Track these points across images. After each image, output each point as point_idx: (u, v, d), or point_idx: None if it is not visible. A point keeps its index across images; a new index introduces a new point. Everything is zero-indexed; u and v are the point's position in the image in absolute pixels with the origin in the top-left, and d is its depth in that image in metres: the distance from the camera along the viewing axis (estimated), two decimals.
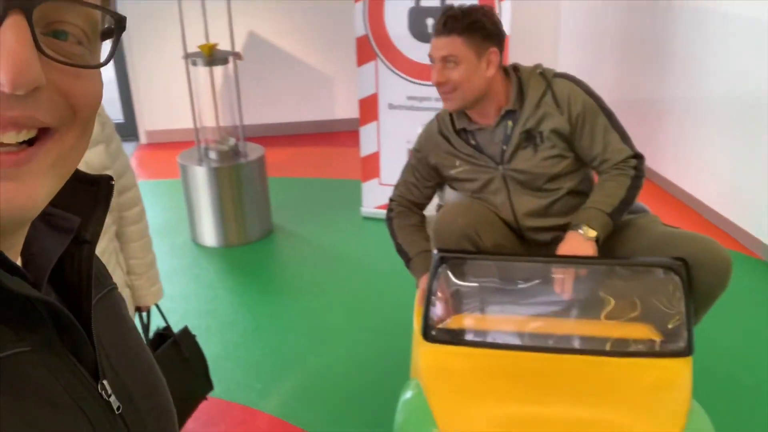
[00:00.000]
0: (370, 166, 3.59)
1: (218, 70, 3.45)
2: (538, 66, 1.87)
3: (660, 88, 3.97)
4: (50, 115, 0.43)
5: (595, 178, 1.92)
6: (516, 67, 1.87)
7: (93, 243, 0.54)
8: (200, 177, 3.35)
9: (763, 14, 3.04)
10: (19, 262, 0.50)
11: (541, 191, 1.86)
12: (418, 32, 3.21)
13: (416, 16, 3.18)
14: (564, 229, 1.84)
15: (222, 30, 3.26)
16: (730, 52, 3.32)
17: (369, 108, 3.45)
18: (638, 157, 1.82)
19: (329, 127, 5.28)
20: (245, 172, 3.41)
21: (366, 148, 3.55)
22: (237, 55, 3.28)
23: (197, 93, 3.40)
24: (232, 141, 3.49)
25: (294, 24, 4.96)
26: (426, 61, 3.20)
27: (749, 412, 2.16)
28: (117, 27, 0.47)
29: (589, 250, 1.69)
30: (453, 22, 1.73)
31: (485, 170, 1.88)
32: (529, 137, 1.80)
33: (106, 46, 0.49)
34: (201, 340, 1.77)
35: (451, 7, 1.78)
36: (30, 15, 0.40)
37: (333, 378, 2.39)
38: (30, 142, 0.43)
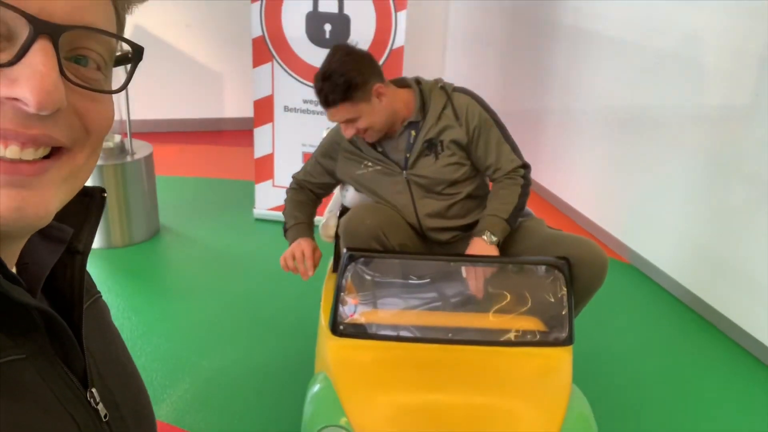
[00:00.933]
0: (264, 168, 3.58)
1: None
2: (438, 80, 2.01)
3: (538, 101, 4.27)
4: (66, 135, 0.46)
5: (490, 185, 2.08)
6: (418, 80, 2.00)
7: (85, 254, 0.56)
8: None
9: (630, 37, 3.37)
10: (14, 271, 0.51)
11: (441, 195, 2.00)
12: (315, 37, 3.25)
13: (313, 20, 3.22)
14: (461, 229, 1.99)
15: None
16: (600, 71, 3.64)
17: (264, 109, 3.44)
18: (526, 167, 2.00)
19: (218, 126, 5.19)
20: (132, 171, 3.28)
21: (260, 149, 3.54)
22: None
23: None
24: (117, 138, 3.36)
25: (183, 19, 4.84)
26: None
27: (620, 393, 2.41)
28: (135, 56, 0.51)
29: (493, 252, 1.86)
30: (332, 95, 1.85)
31: (390, 174, 2.00)
32: (431, 146, 1.95)
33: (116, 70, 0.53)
34: None
35: (319, 78, 1.86)
36: (56, 41, 0.42)
37: (228, 381, 2.36)
38: (45, 157, 0.46)
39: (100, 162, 3.19)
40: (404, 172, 1.99)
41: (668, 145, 3.14)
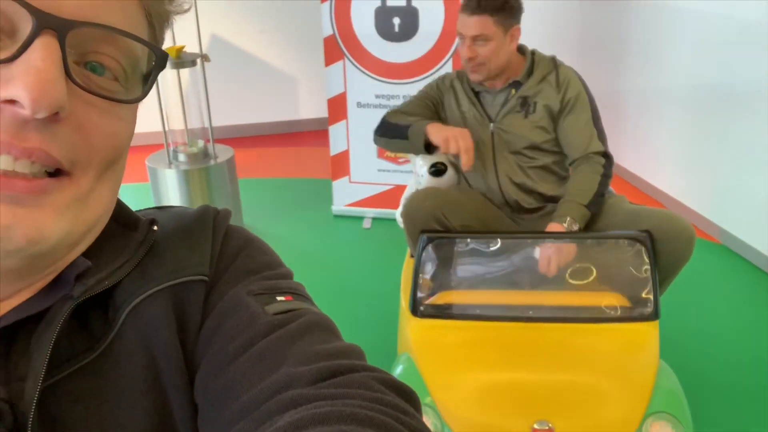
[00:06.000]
0: (340, 165, 3.65)
1: (184, 72, 3.46)
2: (553, 56, 2.05)
3: (617, 82, 4.14)
4: (64, 154, 0.40)
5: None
6: (533, 51, 2.05)
7: (78, 299, 0.45)
8: (170, 180, 3.35)
9: (712, 9, 3.23)
10: None
11: (521, 155, 2.02)
12: (385, 32, 3.29)
13: (382, 15, 3.26)
14: (541, 197, 2.03)
15: (187, 32, 3.28)
16: (683, 46, 3.50)
17: (337, 107, 3.51)
18: (608, 156, 1.97)
19: (294, 127, 5.33)
20: (215, 174, 3.42)
21: (335, 146, 3.61)
22: (205, 57, 3.30)
23: (165, 95, 3.41)
24: (201, 143, 3.51)
25: (257, 25, 5.00)
26: (393, 60, 3.33)
27: (712, 372, 2.32)
28: (158, 62, 0.45)
29: (571, 249, 1.82)
30: (486, 1, 1.86)
31: (480, 123, 2.05)
32: (524, 104, 1.98)
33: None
34: None
35: None
36: (63, 37, 0.38)
37: None
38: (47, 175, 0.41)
39: (185, 167, 3.34)
40: (491, 124, 2.03)
41: (757, 118, 2.98)
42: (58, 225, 0.40)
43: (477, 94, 2.08)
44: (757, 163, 3.01)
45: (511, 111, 2.00)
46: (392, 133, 2.10)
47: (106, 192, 0.44)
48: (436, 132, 1.94)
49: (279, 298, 0.51)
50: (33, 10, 0.36)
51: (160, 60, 0.45)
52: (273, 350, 0.46)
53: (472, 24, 1.89)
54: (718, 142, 3.29)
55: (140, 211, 0.57)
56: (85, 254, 0.46)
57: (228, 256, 0.53)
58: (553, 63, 2.02)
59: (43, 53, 0.36)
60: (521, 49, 2.05)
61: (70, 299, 0.44)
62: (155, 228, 0.51)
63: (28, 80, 0.36)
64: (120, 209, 0.51)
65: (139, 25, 0.44)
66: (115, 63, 0.42)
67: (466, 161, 1.87)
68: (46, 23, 0.37)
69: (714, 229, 3.34)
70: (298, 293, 0.54)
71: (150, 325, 0.48)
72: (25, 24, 0.37)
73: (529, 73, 2.00)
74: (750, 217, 3.10)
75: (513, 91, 2.01)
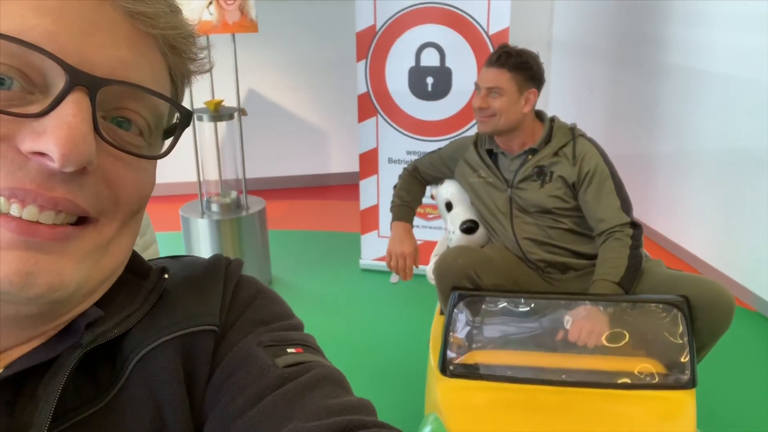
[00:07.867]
0: (370, 219, 3.67)
1: (221, 124, 3.55)
2: (573, 124, 2.06)
3: (649, 145, 4.15)
4: (91, 203, 0.41)
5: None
6: (553, 119, 2.07)
7: (89, 347, 0.45)
8: (202, 229, 3.40)
9: (741, 73, 3.24)
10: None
11: (538, 220, 2.02)
12: (418, 90, 3.36)
13: (416, 75, 3.34)
14: (564, 254, 2.00)
15: (226, 86, 3.39)
16: (714, 110, 3.50)
17: (369, 162, 3.56)
18: (635, 226, 1.90)
19: (325, 181, 5.40)
20: (246, 225, 3.47)
21: (366, 201, 3.64)
22: (242, 111, 3.39)
23: (201, 147, 3.49)
24: (234, 194, 3.57)
25: (293, 82, 5.14)
26: (425, 117, 3.39)
27: None
28: (183, 121, 0.46)
29: (604, 326, 1.76)
30: (506, 57, 1.96)
31: (497, 188, 2.08)
32: (540, 173, 1.98)
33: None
34: None
35: (506, 44, 2.03)
36: (94, 94, 0.39)
37: None
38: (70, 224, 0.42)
39: (217, 217, 3.40)
40: (509, 189, 2.05)
41: None
42: (78, 272, 0.41)
43: (494, 157, 2.11)
44: None
45: (527, 178, 2.00)
46: (394, 192, 2.39)
47: (125, 241, 0.45)
48: (392, 238, 2.23)
49: (290, 350, 0.51)
50: (67, 67, 0.38)
51: (185, 119, 0.46)
52: (282, 404, 0.45)
53: (490, 76, 1.97)
54: (750, 206, 3.25)
55: (153, 260, 0.58)
56: (97, 303, 0.47)
57: (238, 307, 0.53)
58: (571, 133, 2.01)
59: (74, 109, 0.38)
60: (540, 116, 2.07)
61: (79, 347, 0.44)
62: (166, 276, 0.51)
63: (59, 135, 0.37)
64: (132, 258, 0.51)
65: (164, 82, 0.45)
66: (140, 118, 0.44)
67: (402, 278, 2.18)
68: (79, 80, 0.38)
69: (749, 295, 3.26)
70: (308, 345, 0.54)
71: (157, 376, 0.47)
72: (59, 80, 0.38)
73: (546, 141, 2.01)
74: None
75: (530, 157, 2.02)
